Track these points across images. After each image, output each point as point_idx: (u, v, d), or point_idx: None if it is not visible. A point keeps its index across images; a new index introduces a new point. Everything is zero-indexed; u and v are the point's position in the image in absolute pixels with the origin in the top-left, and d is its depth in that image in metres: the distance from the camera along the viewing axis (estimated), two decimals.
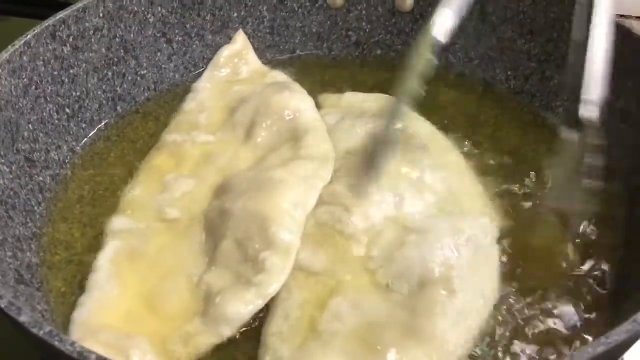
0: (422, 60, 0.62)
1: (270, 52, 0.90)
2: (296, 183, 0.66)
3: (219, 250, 0.61)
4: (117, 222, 0.67)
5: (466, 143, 0.75)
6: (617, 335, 0.43)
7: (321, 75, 0.87)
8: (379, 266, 0.60)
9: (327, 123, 0.76)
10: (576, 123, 0.61)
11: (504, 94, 0.83)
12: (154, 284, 0.61)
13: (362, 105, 0.79)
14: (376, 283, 0.59)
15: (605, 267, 0.62)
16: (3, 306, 0.45)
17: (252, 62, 0.87)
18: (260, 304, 0.58)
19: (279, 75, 0.84)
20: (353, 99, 0.81)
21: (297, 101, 0.77)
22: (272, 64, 0.88)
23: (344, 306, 0.57)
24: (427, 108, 0.79)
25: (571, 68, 0.63)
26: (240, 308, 0.57)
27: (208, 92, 0.82)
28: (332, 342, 0.55)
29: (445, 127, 0.77)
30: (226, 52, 0.86)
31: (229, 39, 0.88)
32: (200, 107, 0.80)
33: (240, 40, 0.87)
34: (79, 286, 0.62)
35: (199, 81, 0.84)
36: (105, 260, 0.62)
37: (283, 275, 0.59)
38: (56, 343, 0.42)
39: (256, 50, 0.88)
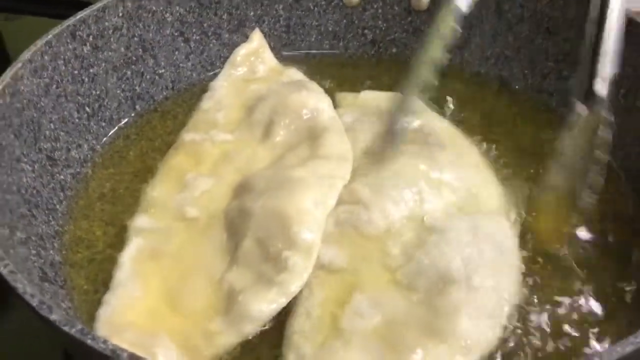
0: (446, 28, 0.62)
1: (286, 50, 0.90)
2: (316, 182, 0.66)
3: (240, 249, 0.62)
4: (139, 221, 0.67)
5: (482, 142, 0.76)
6: None
7: (337, 73, 0.87)
8: (399, 265, 0.61)
9: (344, 122, 0.76)
10: (588, 97, 0.63)
11: (520, 92, 0.83)
12: (175, 282, 0.61)
13: (379, 103, 0.79)
14: (396, 281, 0.60)
15: (626, 265, 0.63)
16: (34, 305, 0.46)
17: (268, 60, 0.87)
18: (283, 302, 0.58)
19: (296, 74, 0.85)
20: (370, 97, 0.82)
21: (314, 100, 0.77)
22: (288, 62, 0.88)
23: (364, 304, 0.58)
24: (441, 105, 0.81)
25: (586, 44, 0.64)
26: (263, 306, 0.58)
27: (225, 91, 0.82)
28: (353, 340, 0.55)
29: (460, 125, 0.77)
30: (242, 50, 0.87)
31: (246, 38, 0.88)
32: (218, 106, 0.80)
33: (257, 38, 0.88)
34: (102, 284, 0.63)
35: (216, 80, 0.84)
36: (128, 258, 0.63)
37: (305, 274, 0.60)
38: (88, 341, 0.43)
39: (272, 48, 0.88)
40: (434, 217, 0.64)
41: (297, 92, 0.78)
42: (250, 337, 0.58)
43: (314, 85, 0.81)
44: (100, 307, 0.59)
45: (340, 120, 0.76)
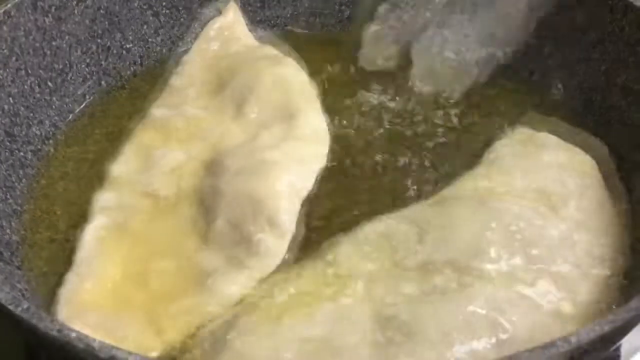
0: None
1: (261, 27, 0.87)
2: (291, 165, 0.64)
3: (211, 229, 0.60)
4: (103, 198, 0.64)
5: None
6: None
7: (314, 50, 0.84)
8: None
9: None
10: None
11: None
12: (141, 261, 0.59)
13: None
14: None
15: None
16: None
17: (242, 35, 0.84)
18: (254, 284, 0.57)
19: (271, 50, 0.81)
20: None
21: (290, 76, 0.75)
22: (263, 39, 0.85)
23: None
24: None
25: None
26: (232, 289, 0.56)
27: (197, 65, 0.79)
28: None
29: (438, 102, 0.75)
30: (216, 24, 0.83)
31: (219, 12, 0.84)
32: (189, 81, 0.77)
33: (231, 12, 0.84)
34: (62, 265, 0.59)
35: (188, 54, 0.81)
36: (90, 235, 0.60)
37: (277, 258, 0.58)
38: (34, 320, 0.40)
39: (246, 25, 0.85)
40: None
41: (272, 67, 0.75)
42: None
43: (289, 61, 0.78)
44: (60, 286, 0.56)
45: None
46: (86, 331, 0.48)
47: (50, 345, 0.40)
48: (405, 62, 0.79)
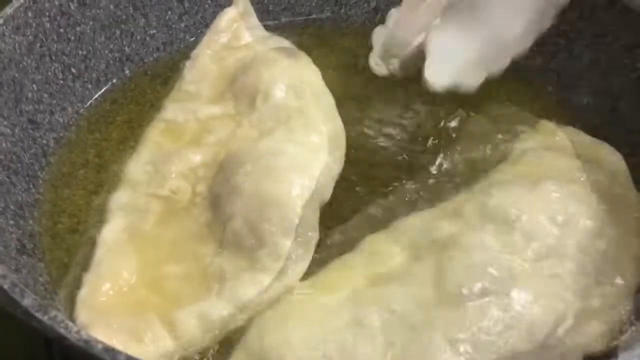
0: None
1: (285, 14, 0.86)
2: (312, 167, 0.63)
3: (228, 229, 0.59)
4: (120, 197, 0.64)
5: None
6: None
7: (337, 41, 0.83)
8: None
9: None
10: None
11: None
12: (157, 265, 0.58)
13: None
14: None
15: None
16: (6, 287, 0.43)
17: (253, 26, 0.82)
18: (282, 291, 0.56)
19: (283, 42, 0.80)
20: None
21: (303, 71, 0.73)
22: (287, 27, 0.84)
23: None
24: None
25: None
26: (259, 294, 0.56)
27: (208, 59, 0.77)
28: None
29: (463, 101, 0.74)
30: (226, 15, 0.81)
31: None
32: (201, 75, 0.75)
33: (242, 3, 0.82)
34: (83, 257, 0.60)
35: (198, 47, 0.79)
36: (108, 237, 0.60)
37: (305, 263, 0.58)
38: (62, 330, 0.40)
39: (270, 12, 0.84)
40: None
41: (285, 60, 0.74)
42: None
43: (302, 54, 0.77)
44: (80, 288, 0.56)
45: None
46: (109, 336, 0.49)
47: (75, 353, 0.40)
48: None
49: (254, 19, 0.82)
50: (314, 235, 0.60)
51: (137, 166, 0.67)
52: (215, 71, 0.76)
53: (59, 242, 0.62)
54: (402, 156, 0.70)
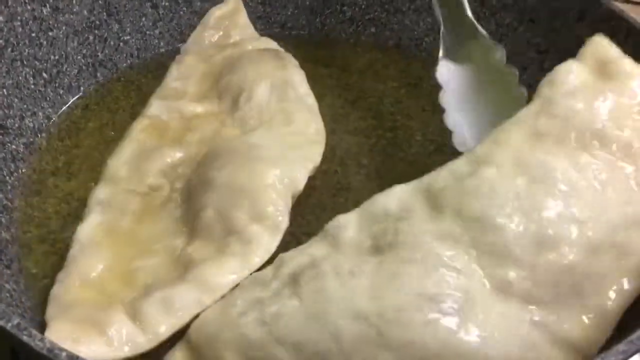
0: None
1: (260, 23, 0.86)
2: (285, 161, 0.64)
3: (199, 220, 0.59)
4: (99, 194, 0.63)
5: None
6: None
7: (312, 52, 0.84)
8: None
9: None
10: None
11: None
12: (130, 260, 0.58)
13: None
14: None
15: None
16: None
17: (243, 25, 0.82)
18: (245, 274, 0.56)
19: (271, 43, 0.80)
20: None
21: (288, 72, 0.74)
22: (262, 36, 0.84)
23: None
24: (417, 90, 0.79)
25: None
26: (223, 277, 0.56)
27: (196, 56, 0.78)
28: None
29: (435, 112, 0.75)
30: (217, 12, 0.82)
31: None
32: (188, 72, 0.76)
33: (233, 1, 0.83)
34: (51, 268, 0.59)
35: (187, 43, 0.80)
36: (84, 234, 0.60)
37: (271, 249, 0.58)
38: (24, 337, 0.40)
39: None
40: None
41: (271, 61, 0.74)
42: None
43: (289, 56, 0.77)
44: (52, 286, 0.56)
45: None
46: (69, 328, 0.49)
47: None
48: None
49: (244, 18, 0.83)
50: (283, 221, 0.60)
51: (118, 163, 0.66)
52: (202, 69, 0.76)
53: (27, 252, 0.60)
54: (375, 159, 0.71)
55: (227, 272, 0.56)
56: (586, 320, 0.49)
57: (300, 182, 0.64)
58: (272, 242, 0.58)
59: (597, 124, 0.54)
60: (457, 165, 0.55)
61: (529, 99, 0.62)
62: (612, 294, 0.50)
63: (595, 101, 0.55)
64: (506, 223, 0.50)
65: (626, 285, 0.50)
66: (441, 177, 0.54)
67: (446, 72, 0.72)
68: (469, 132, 0.71)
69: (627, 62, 0.58)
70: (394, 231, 0.52)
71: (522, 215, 0.50)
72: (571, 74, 0.57)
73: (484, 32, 0.71)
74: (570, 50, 0.72)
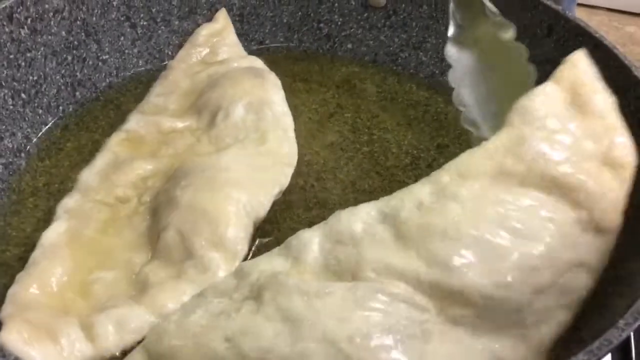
0: None
1: (239, 40, 0.87)
2: (252, 184, 0.64)
3: (161, 240, 0.60)
4: (68, 202, 0.64)
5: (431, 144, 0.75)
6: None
7: (290, 67, 0.85)
8: None
9: None
10: None
11: None
12: (89, 270, 0.59)
13: None
14: None
15: None
16: None
17: (231, 43, 0.83)
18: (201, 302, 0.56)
19: (256, 61, 0.81)
20: None
21: (268, 92, 0.74)
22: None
23: None
24: (393, 104, 0.80)
25: None
26: (179, 304, 0.56)
27: (182, 72, 0.79)
28: None
29: (411, 126, 0.76)
30: (205, 30, 0.83)
31: (197, 25, 0.85)
32: (171, 88, 0.77)
33: (222, 19, 0.84)
34: None
35: (174, 59, 0.81)
36: (48, 239, 0.60)
37: (221, 276, 0.58)
38: None
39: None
40: None
41: (251, 79, 0.75)
42: None
43: (272, 76, 0.78)
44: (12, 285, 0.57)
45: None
46: (25, 328, 0.51)
47: None
48: None
49: (232, 36, 0.84)
50: (242, 249, 0.60)
51: (90, 173, 0.67)
52: (186, 85, 0.77)
53: (5, 270, 0.61)
54: (351, 180, 0.72)
55: (182, 298, 0.56)
56: (525, 349, 0.52)
57: (264, 209, 0.64)
58: (228, 271, 0.59)
59: (560, 168, 0.54)
60: (422, 194, 0.55)
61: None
62: (550, 325, 0.52)
63: (561, 141, 0.56)
64: (467, 271, 0.50)
65: (562, 318, 0.53)
66: (406, 207, 0.54)
67: (455, 50, 0.72)
68: (477, 111, 0.71)
69: (599, 99, 0.58)
70: (358, 259, 0.52)
71: (484, 261, 0.51)
72: (544, 104, 0.57)
73: (494, 8, 0.70)
74: (541, 64, 0.74)
